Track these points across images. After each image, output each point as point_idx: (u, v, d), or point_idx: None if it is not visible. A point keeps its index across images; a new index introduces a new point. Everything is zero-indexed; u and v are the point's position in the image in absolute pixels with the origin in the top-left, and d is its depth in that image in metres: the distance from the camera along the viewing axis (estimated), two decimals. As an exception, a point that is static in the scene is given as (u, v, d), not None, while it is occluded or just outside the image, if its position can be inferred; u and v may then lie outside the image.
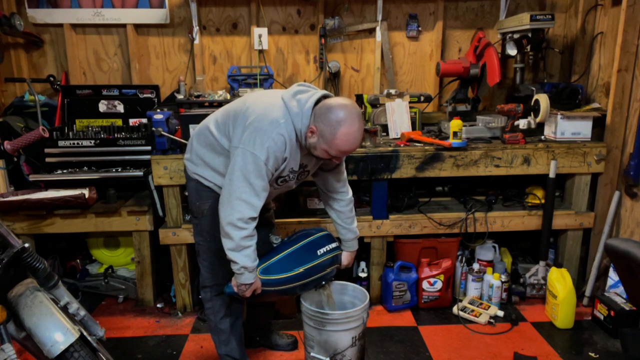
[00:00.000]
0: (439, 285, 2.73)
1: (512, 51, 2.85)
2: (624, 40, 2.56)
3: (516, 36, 2.83)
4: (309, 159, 1.88)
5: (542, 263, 2.79)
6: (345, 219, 2.11)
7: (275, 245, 2.00)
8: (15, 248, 1.51)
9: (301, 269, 1.93)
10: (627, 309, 2.43)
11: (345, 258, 2.17)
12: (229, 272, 1.83)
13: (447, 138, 2.68)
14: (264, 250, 1.97)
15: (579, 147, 2.67)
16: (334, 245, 2.05)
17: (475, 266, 2.82)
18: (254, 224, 1.76)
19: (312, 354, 2.05)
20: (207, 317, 2.11)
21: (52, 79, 3.18)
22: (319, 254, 1.98)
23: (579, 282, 2.85)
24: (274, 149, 1.70)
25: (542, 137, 2.82)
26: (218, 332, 2.09)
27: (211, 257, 1.99)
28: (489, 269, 2.81)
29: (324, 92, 1.78)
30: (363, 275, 2.82)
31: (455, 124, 2.59)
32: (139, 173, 2.74)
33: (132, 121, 3.08)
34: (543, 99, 2.64)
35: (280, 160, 1.75)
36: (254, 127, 1.70)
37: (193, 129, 2.49)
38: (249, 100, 1.82)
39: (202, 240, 2.00)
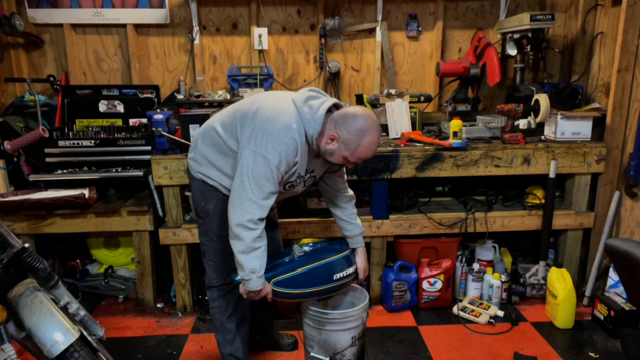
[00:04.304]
0: (439, 285, 2.73)
1: (512, 51, 2.85)
2: (624, 40, 2.56)
3: (516, 36, 2.83)
4: (315, 163, 1.89)
5: (542, 263, 2.79)
6: (350, 215, 2.12)
7: (296, 257, 1.98)
8: (15, 248, 1.51)
9: (313, 289, 1.95)
10: (627, 309, 2.43)
11: (361, 267, 2.11)
12: (235, 270, 1.83)
13: (447, 138, 2.68)
14: (269, 250, 1.97)
15: (579, 147, 2.67)
16: (351, 270, 2.05)
17: (475, 266, 2.81)
18: (263, 224, 1.76)
19: (312, 353, 2.05)
20: (213, 316, 2.10)
21: (52, 79, 3.18)
22: (334, 278, 1.98)
23: (579, 282, 2.85)
24: (286, 152, 1.70)
25: (542, 137, 2.82)
26: (224, 331, 2.08)
27: (217, 257, 1.99)
28: (489, 269, 2.81)
29: (335, 100, 1.80)
30: (363, 275, 2.82)
31: (455, 124, 2.59)
32: (139, 173, 2.73)
33: (132, 121, 3.08)
34: (543, 99, 2.64)
35: (292, 164, 1.76)
36: (266, 130, 1.70)
37: (193, 129, 2.49)
38: (258, 101, 1.81)
39: (208, 240, 1.99)
